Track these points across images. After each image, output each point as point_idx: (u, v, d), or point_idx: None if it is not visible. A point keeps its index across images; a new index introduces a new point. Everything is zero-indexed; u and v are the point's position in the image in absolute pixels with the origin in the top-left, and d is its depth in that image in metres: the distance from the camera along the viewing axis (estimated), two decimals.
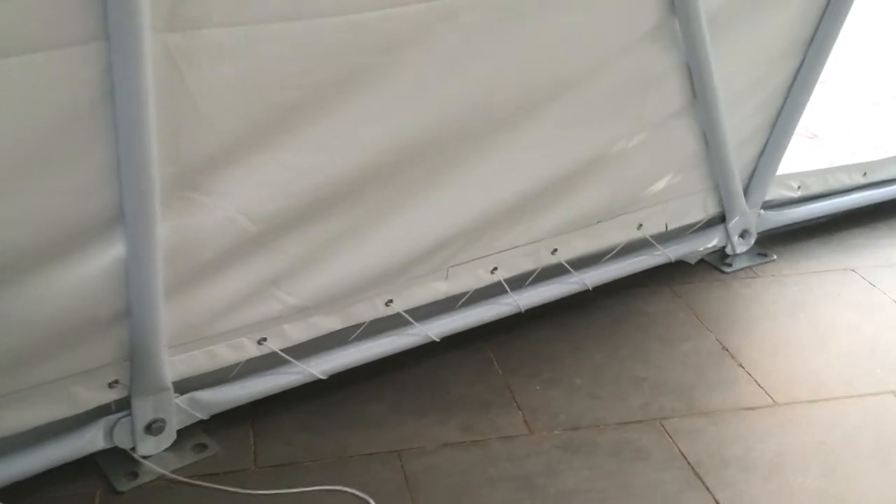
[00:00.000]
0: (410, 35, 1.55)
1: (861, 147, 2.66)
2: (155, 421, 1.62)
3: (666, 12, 1.88)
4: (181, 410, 1.65)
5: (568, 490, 1.61)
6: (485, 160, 1.81)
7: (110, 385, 1.56)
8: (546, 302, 2.09)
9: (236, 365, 1.70)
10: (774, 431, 1.78)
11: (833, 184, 2.59)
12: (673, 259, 2.30)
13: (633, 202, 2.17)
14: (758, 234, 2.46)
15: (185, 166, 1.41)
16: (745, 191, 2.37)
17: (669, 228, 2.28)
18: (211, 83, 1.36)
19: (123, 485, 1.59)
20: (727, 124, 2.15)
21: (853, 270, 2.41)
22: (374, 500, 1.56)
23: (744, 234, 2.42)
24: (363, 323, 1.83)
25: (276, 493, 1.57)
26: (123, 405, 1.60)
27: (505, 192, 1.89)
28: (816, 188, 2.56)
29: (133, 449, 1.62)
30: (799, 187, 2.53)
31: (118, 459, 1.62)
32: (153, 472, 1.61)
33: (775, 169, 2.38)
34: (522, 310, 2.04)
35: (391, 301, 1.84)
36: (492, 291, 2.01)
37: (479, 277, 1.97)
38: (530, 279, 2.07)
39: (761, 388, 1.90)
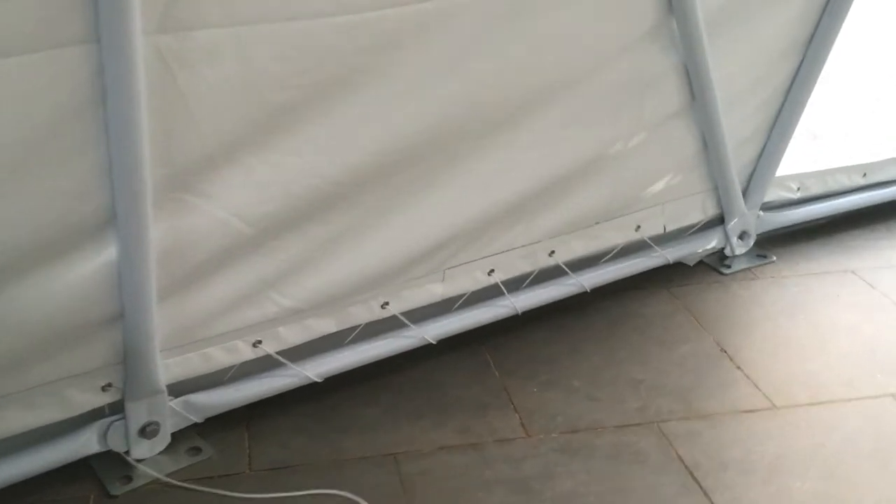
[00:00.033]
0: (408, 35, 1.54)
1: (861, 148, 2.64)
2: (149, 424, 1.61)
3: (663, 13, 1.88)
4: (175, 413, 1.65)
5: (565, 493, 1.60)
6: (482, 161, 1.80)
7: (103, 388, 1.55)
8: (543, 304, 2.08)
9: (231, 367, 1.70)
10: (773, 434, 1.77)
11: (833, 185, 2.58)
12: (671, 261, 2.29)
13: (632, 203, 2.16)
14: (757, 235, 2.45)
15: (178, 168, 1.40)
16: (745, 192, 2.36)
17: (668, 230, 2.27)
18: (204, 85, 1.36)
19: (117, 488, 1.57)
20: (726, 125, 2.14)
21: (853, 272, 2.40)
22: None
23: (743, 236, 2.41)
24: (359, 325, 1.82)
25: (270, 497, 1.56)
26: (117, 408, 1.59)
27: (502, 193, 1.89)
28: (816, 189, 2.55)
29: (127, 452, 1.61)
30: (798, 188, 2.52)
31: (112, 463, 1.61)
32: (147, 475, 1.60)
33: (774, 170, 2.37)
34: (520, 312, 2.03)
35: (387, 303, 1.83)
36: (489, 293, 2.00)
37: (475, 279, 1.96)
38: (527, 281, 2.06)
39: (760, 390, 1.89)
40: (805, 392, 1.89)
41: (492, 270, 1.97)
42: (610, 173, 2.05)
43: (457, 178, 1.79)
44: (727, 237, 2.38)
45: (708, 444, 1.73)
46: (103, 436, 1.58)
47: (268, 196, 1.54)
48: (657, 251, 2.24)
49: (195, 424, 1.69)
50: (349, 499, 1.57)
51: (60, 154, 1.29)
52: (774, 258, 2.45)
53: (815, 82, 2.25)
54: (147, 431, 1.61)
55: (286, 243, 1.62)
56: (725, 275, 2.37)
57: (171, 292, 1.51)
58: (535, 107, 1.81)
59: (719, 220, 2.38)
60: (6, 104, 1.21)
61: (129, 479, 1.60)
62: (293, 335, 1.74)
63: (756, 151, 2.34)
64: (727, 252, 2.41)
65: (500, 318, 2.02)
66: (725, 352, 2.04)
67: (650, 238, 2.23)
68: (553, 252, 2.06)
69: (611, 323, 2.14)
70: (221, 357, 1.66)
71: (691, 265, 2.38)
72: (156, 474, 1.60)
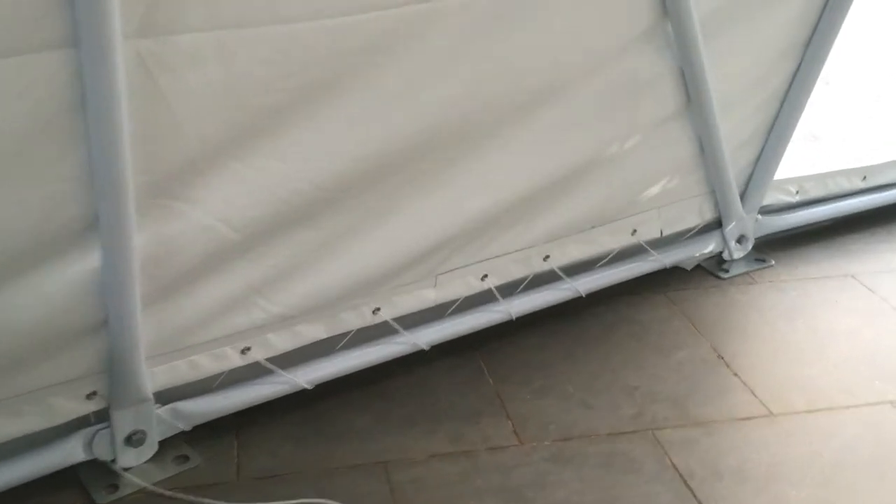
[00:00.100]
0: (396, 39, 1.52)
1: (860, 151, 2.62)
2: (135, 432, 1.59)
3: (658, 15, 1.85)
4: (162, 421, 1.63)
5: (557, 502, 1.58)
6: (474, 165, 1.78)
7: (88, 396, 1.53)
8: (538, 309, 2.06)
9: (219, 375, 1.67)
10: (770, 442, 1.74)
11: (832, 188, 2.56)
12: (668, 265, 2.26)
13: (628, 207, 2.13)
14: (755, 239, 2.42)
15: (162, 174, 1.38)
16: (743, 196, 2.34)
17: (664, 234, 2.24)
18: (187, 89, 1.34)
19: (103, 497, 1.56)
20: (723, 128, 2.12)
21: (852, 276, 2.37)
22: None
23: (741, 240, 2.38)
24: (350, 331, 1.80)
25: None
26: (103, 416, 1.57)
27: (495, 197, 1.86)
28: (815, 193, 2.53)
29: (113, 461, 1.59)
30: (797, 192, 2.49)
31: (98, 471, 1.59)
32: (134, 484, 1.58)
33: (773, 173, 2.35)
34: (514, 317, 2.01)
35: (378, 309, 1.81)
36: (483, 298, 1.98)
37: (469, 285, 1.93)
38: (522, 286, 2.04)
39: (757, 397, 1.87)
40: (803, 399, 1.87)
41: (485, 275, 1.95)
42: (605, 177, 2.03)
43: (448, 182, 1.77)
44: (725, 241, 2.36)
45: (703, 453, 1.70)
46: (89, 444, 1.56)
47: (254, 201, 1.52)
48: (654, 255, 2.22)
49: (183, 432, 1.67)
50: None
51: (40, 159, 1.27)
52: (773, 262, 2.43)
53: (814, 84, 2.23)
54: (133, 440, 1.59)
55: (274, 249, 1.60)
56: (723, 279, 2.35)
57: (156, 299, 1.49)
58: (527, 110, 1.79)
59: (717, 224, 2.35)
60: None
61: (116, 487, 1.58)
62: (283, 342, 1.72)
63: (754, 154, 2.32)
64: (725, 256, 2.39)
65: (493, 323, 2.00)
66: (722, 358, 2.01)
67: (647, 242, 2.20)
68: (548, 256, 2.04)
69: (606, 328, 2.12)
70: (209, 364, 1.64)
71: (689, 269, 2.36)
72: (142, 483, 1.58)
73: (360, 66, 1.51)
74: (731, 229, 2.34)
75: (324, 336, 1.77)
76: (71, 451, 1.55)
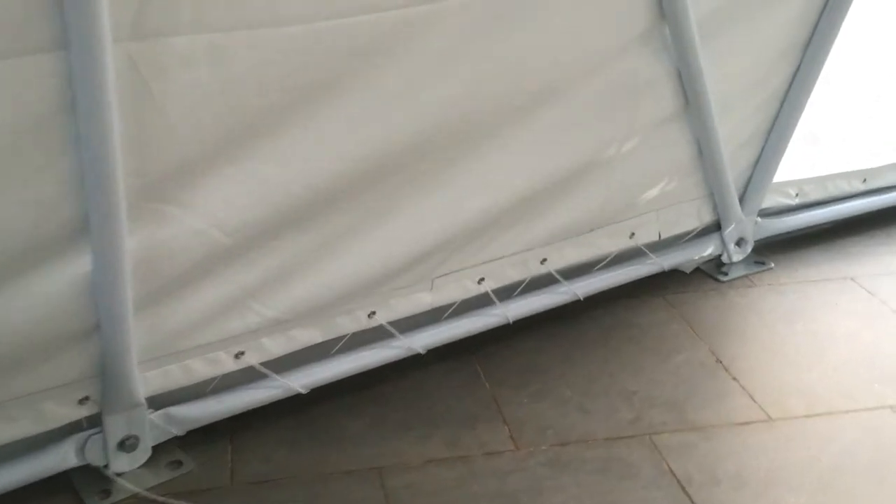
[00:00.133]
0: (396, 40, 1.51)
1: (860, 153, 2.60)
2: (128, 438, 1.58)
3: (655, 17, 1.84)
4: (155, 426, 1.61)
5: None
6: (471, 167, 1.77)
7: (80, 401, 1.52)
8: (535, 313, 2.04)
9: (213, 379, 1.66)
10: (768, 447, 1.73)
11: (832, 191, 2.54)
12: (666, 268, 2.25)
13: (626, 210, 2.12)
14: (755, 242, 2.41)
15: (154, 177, 1.37)
16: (742, 198, 2.32)
17: (663, 237, 2.23)
18: (180, 92, 1.33)
19: (96, 503, 1.54)
20: (722, 130, 2.11)
21: (852, 279, 2.36)
22: None
23: (740, 243, 2.37)
24: (345, 335, 1.79)
25: None
26: (95, 421, 1.56)
27: (492, 199, 1.85)
28: (815, 195, 2.52)
29: (106, 466, 1.58)
30: (797, 194, 2.48)
31: (91, 477, 1.58)
32: (126, 490, 1.57)
33: (772, 175, 2.33)
34: (511, 321, 1.99)
35: (374, 313, 1.80)
36: (479, 301, 1.97)
37: (465, 288, 1.92)
38: (519, 289, 2.03)
39: (755, 402, 1.85)
40: (801, 403, 1.85)
41: (482, 279, 1.94)
42: (603, 179, 2.01)
43: (445, 185, 1.75)
44: (724, 244, 2.35)
45: (701, 458, 1.69)
46: (81, 449, 1.55)
47: (248, 205, 1.50)
48: (652, 258, 2.21)
49: (177, 437, 1.65)
50: None
51: (30, 163, 1.26)
52: (772, 265, 2.41)
53: (813, 85, 2.22)
54: (126, 445, 1.58)
55: (268, 253, 1.59)
56: (722, 282, 2.33)
57: (148, 303, 1.48)
58: (525, 112, 1.78)
59: (716, 227, 2.34)
60: None
61: (108, 493, 1.56)
62: (277, 346, 1.70)
63: (753, 156, 2.30)
64: (724, 259, 2.37)
65: (490, 327, 1.98)
66: (721, 362, 2.00)
67: (645, 245, 2.19)
68: (545, 260, 2.03)
69: (604, 332, 2.11)
70: (202, 369, 1.63)
71: (688, 272, 2.35)
72: (135, 488, 1.57)
73: (358, 67, 1.50)
74: (730, 232, 2.33)
75: (319, 340, 1.75)
76: (63, 457, 1.54)
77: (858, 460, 1.69)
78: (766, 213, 2.43)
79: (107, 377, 1.51)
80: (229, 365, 1.66)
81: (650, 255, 2.20)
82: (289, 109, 1.47)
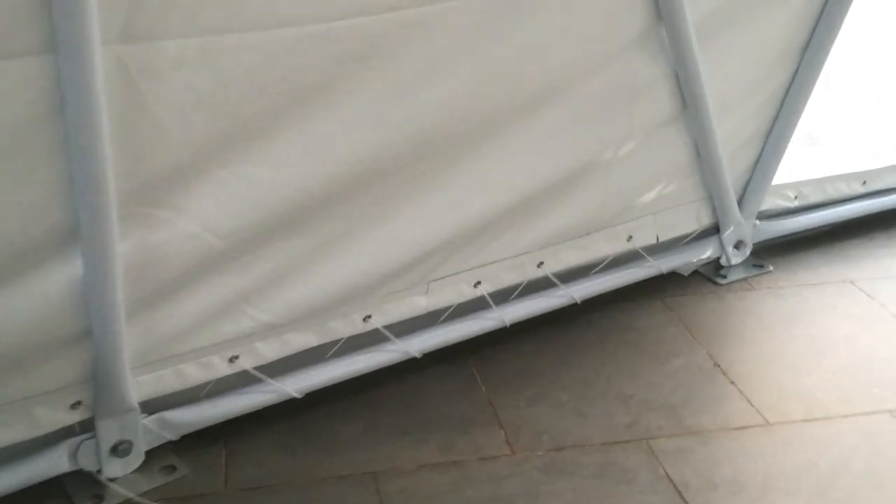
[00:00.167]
0: (389, 42, 1.50)
1: (860, 155, 2.59)
2: (121, 443, 1.57)
3: (652, 19, 1.83)
4: (149, 431, 1.60)
5: None
6: (467, 170, 1.76)
7: (73, 406, 1.51)
8: (532, 316, 2.03)
9: (207, 384, 1.65)
10: (766, 452, 1.71)
11: (831, 193, 2.53)
12: (664, 271, 2.24)
13: (623, 213, 2.11)
14: (753, 244, 2.40)
15: (146, 180, 1.36)
16: (740, 201, 2.31)
17: (661, 240, 2.22)
18: (171, 95, 1.32)
19: None
20: (720, 132, 2.10)
21: (851, 282, 2.34)
22: None
23: (739, 245, 2.36)
24: (340, 339, 1.78)
25: None
26: (88, 426, 1.55)
27: (488, 202, 1.84)
28: (814, 198, 2.50)
29: (99, 471, 1.57)
30: (796, 197, 2.47)
31: (84, 482, 1.57)
32: (119, 495, 1.56)
33: (771, 178, 2.32)
34: (507, 324, 1.98)
35: (369, 316, 1.79)
36: (476, 305, 1.96)
37: (461, 292, 1.91)
38: (516, 293, 2.02)
39: (753, 406, 1.84)
40: (800, 407, 1.84)
41: (478, 282, 1.93)
42: (600, 181, 2.00)
43: (440, 188, 1.74)
44: (722, 247, 2.33)
45: (698, 462, 1.68)
46: (73, 454, 1.54)
47: (241, 208, 1.50)
48: (650, 261, 2.20)
49: (170, 442, 1.65)
50: None
51: (19, 166, 1.25)
52: (771, 268, 2.40)
53: (812, 86, 2.20)
54: (119, 450, 1.57)
55: (262, 256, 1.58)
56: (721, 285, 2.32)
57: (141, 308, 1.47)
58: (521, 114, 1.77)
59: (714, 230, 2.32)
60: None
61: (101, 498, 1.56)
62: (271, 350, 1.69)
63: (752, 158, 2.29)
64: (723, 262, 2.36)
65: (486, 330, 1.97)
66: (719, 365, 1.99)
67: (643, 248, 2.18)
68: (542, 263, 2.02)
69: (601, 335, 2.09)
70: (196, 373, 1.62)
71: (686, 275, 2.33)
72: (128, 493, 1.56)
73: (353, 70, 1.49)
74: (728, 235, 2.32)
75: (314, 344, 1.74)
76: (56, 462, 1.53)
77: (856, 465, 1.68)
78: (765, 216, 2.42)
79: (99, 382, 1.50)
80: (223, 369, 1.65)
81: (648, 258, 2.19)
82: (282, 112, 1.46)
